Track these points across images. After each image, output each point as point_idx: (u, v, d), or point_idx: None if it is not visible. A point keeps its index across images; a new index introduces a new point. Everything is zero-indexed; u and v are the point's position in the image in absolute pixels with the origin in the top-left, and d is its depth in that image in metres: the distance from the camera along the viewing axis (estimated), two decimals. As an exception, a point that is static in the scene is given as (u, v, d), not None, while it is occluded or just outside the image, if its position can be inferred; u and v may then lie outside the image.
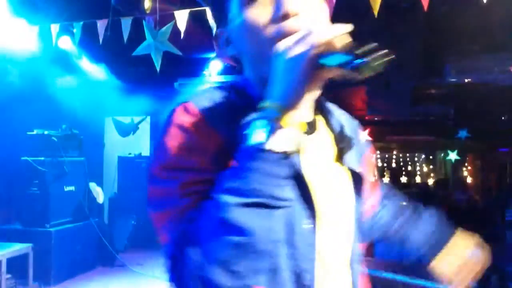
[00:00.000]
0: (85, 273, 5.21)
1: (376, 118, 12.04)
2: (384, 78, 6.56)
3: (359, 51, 0.62)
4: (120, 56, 7.10)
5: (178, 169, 0.71)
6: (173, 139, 0.74)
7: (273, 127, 0.63)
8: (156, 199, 0.74)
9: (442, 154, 15.57)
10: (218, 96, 0.78)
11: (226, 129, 0.71)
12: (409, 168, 18.56)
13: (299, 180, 0.73)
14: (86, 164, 5.48)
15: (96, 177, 6.88)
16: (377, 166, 19.73)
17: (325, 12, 0.83)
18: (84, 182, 5.42)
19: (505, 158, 12.76)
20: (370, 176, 1.01)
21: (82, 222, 5.25)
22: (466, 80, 6.17)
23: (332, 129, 0.88)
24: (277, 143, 0.64)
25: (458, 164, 15.04)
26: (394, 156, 18.39)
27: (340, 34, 0.67)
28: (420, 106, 9.31)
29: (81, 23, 4.11)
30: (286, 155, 0.64)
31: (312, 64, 0.65)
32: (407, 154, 18.07)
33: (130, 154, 7.14)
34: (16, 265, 4.34)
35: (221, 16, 0.83)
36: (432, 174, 16.87)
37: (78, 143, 5.48)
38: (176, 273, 0.67)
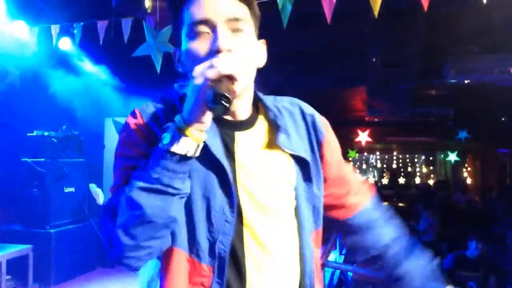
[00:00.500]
0: (85, 274, 5.20)
1: (376, 119, 12.05)
2: (384, 78, 6.57)
3: (219, 95, 0.80)
4: (120, 57, 7.11)
5: (119, 156, 0.97)
6: (122, 134, 0.98)
7: (176, 134, 0.83)
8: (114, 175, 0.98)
9: (442, 155, 15.59)
10: (158, 106, 0.99)
11: (158, 131, 0.90)
12: (409, 169, 18.58)
13: (220, 172, 0.92)
14: (86, 165, 5.47)
15: (96, 178, 6.86)
16: (377, 167, 19.75)
17: (258, 51, 1.03)
18: (84, 183, 5.42)
19: (505, 158, 12.78)
20: (332, 161, 1.11)
21: (82, 223, 5.24)
22: (466, 81, 6.18)
23: (269, 122, 1.03)
24: (179, 147, 0.83)
25: (458, 165, 15.06)
26: (394, 157, 18.40)
27: (226, 75, 0.82)
28: (420, 107, 9.31)
29: (81, 24, 4.11)
30: (185, 157, 0.84)
31: (204, 93, 0.82)
32: (407, 155, 18.09)
33: (130, 155, 7.13)
34: (16, 266, 4.33)
35: (176, 38, 1.02)
36: (432, 175, 16.88)
37: (78, 144, 5.48)
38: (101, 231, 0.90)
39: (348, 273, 3.97)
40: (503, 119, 10.87)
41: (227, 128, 0.98)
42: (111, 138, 8.46)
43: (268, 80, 7.91)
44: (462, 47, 6.23)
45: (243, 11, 0.95)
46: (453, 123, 10.85)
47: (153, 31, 3.80)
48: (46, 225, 4.74)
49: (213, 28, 0.92)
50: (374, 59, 6.75)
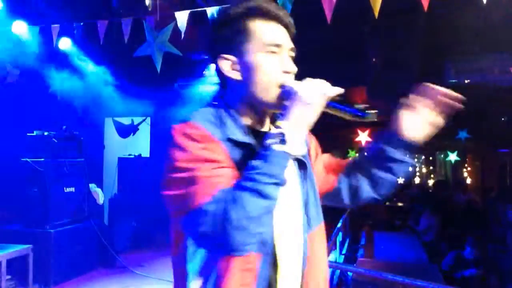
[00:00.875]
0: (85, 274, 5.20)
1: (376, 119, 12.02)
2: (384, 78, 6.56)
3: (359, 107, 1.08)
4: (120, 57, 7.11)
5: (197, 161, 1.00)
6: (186, 145, 1.02)
7: (286, 139, 1.00)
8: (181, 182, 1.00)
9: (442, 155, 15.57)
10: (207, 114, 1.10)
11: (218, 135, 1.04)
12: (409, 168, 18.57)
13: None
14: (86, 165, 5.47)
15: (96, 178, 6.87)
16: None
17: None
18: (84, 183, 5.41)
19: (505, 158, 12.76)
20: (319, 161, 1.35)
21: (82, 223, 5.24)
22: (466, 81, 6.17)
23: None
24: (294, 149, 1.01)
25: (458, 165, 15.05)
26: (394, 157, 18.34)
27: (338, 92, 1.08)
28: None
29: (81, 24, 4.11)
30: (291, 156, 1.01)
31: (322, 106, 1.06)
32: (407, 155, 18.06)
33: (130, 155, 7.13)
34: (16, 266, 4.33)
35: (230, 45, 1.11)
36: (432, 175, 16.87)
37: (78, 144, 5.47)
38: (213, 226, 0.93)
39: (348, 273, 3.97)
40: (503, 119, 10.85)
41: None
42: (111, 138, 8.46)
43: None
44: (462, 47, 6.23)
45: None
46: (453, 123, 10.83)
47: (153, 31, 3.80)
48: (46, 225, 4.74)
49: (282, 52, 1.12)
50: (374, 59, 6.75)
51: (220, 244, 0.94)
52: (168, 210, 1.09)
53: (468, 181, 14.04)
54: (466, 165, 15.06)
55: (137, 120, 8.41)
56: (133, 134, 8.43)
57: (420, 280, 3.01)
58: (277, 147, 0.99)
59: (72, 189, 5.17)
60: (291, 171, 1.11)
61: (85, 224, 5.27)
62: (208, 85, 7.33)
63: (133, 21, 3.91)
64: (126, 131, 8.46)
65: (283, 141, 1.00)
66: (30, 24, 4.57)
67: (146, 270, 5.47)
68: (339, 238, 5.05)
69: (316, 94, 1.05)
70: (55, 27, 4.21)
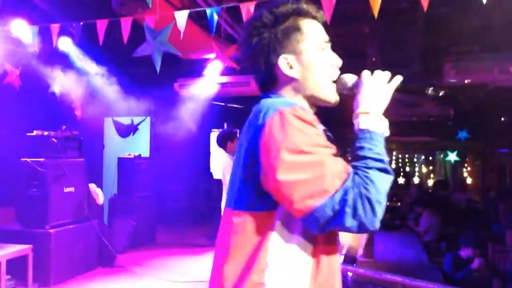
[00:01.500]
0: (85, 274, 5.20)
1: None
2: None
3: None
4: (120, 56, 7.11)
5: (320, 146, 1.01)
6: (305, 129, 1.01)
7: (379, 122, 1.10)
8: (306, 170, 0.97)
9: (442, 155, 15.57)
10: (300, 104, 1.11)
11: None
12: (409, 168, 18.57)
13: None
14: (85, 165, 5.47)
15: (96, 178, 6.86)
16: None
17: None
18: (83, 183, 5.41)
19: (505, 158, 12.76)
20: None
21: (81, 223, 5.24)
22: (466, 81, 6.16)
23: None
24: (386, 131, 1.12)
25: (457, 165, 15.05)
26: (393, 157, 18.40)
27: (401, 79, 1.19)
28: (419, 107, 9.30)
29: (81, 23, 4.10)
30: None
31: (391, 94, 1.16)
32: (407, 155, 18.08)
33: (130, 155, 7.13)
34: (16, 266, 4.33)
35: (286, 45, 1.17)
36: (431, 175, 16.86)
37: (78, 144, 5.47)
38: (354, 206, 0.96)
39: (348, 273, 3.97)
40: (503, 119, 10.85)
41: None
42: (111, 138, 8.46)
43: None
44: (462, 47, 6.22)
45: None
46: (453, 123, 10.84)
47: (153, 31, 3.80)
48: (46, 225, 4.74)
49: (327, 47, 1.24)
50: (374, 59, 6.75)
51: (360, 222, 0.96)
52: (283, 195, 0.99)
53: (468, 181, 14.03)
54: (466, 165, 15.07)
55: (137, 120, 8.41)
56: (133, 134, 8.43)
57: (420, 280, 3.01)
58: (378, 129, 1.09)
59: (72, 189, 5.17)
60: None
61: (85, 224, 5.27)
62: (207, 83, 7.32)
63: (133, 21, 3.91)
64: (126, 131, 8.46)
65: (378, 125, 1.10)
66: (29, 24, 4.57)
67: (145, 269, 5.47)
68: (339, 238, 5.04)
69: (387, 86, 1.16)
70: (55, 27, 4.20)
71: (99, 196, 5.93)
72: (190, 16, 3.77)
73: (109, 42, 4.03)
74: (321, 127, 1.11)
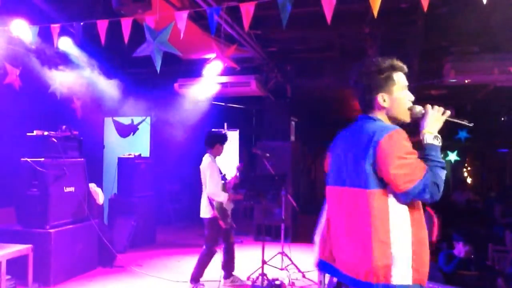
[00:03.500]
0: (85, 274, 5.20)
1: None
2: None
3: (464, 121, 1.95)
4: (120, 56, 7.11)
5: (412, 153, 1.72)
6: (405, 143, 1.73)
7: (439, 137, 1.82)
8: (406, 167, 1.69)
9: (442, 155, 15.57)
10: (397, 127, 1.79)
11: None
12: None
13: None
14: (86, 165, 5.47)
15: (96, 178, 6.87)
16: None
17: None
18: (84, 183, 5.42)
19: (505, 158, 12.77)
20: None
21: (81, 223, 5.24)
22: (466, 81, 6.16)
23: None
24: (439, 144, 1.81)
25: (457, 165, 15.05)
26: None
27: (449, 113, 1.87)
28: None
29: (81, 23, 4.10)
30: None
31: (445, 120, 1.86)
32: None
33: (130, 155, 7.13)
34: (16, 266, 4.33)
35: (383, 87, 1.88)
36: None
37: (78, 144, 5.47)
38: (431, 187, 1.69)
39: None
40: (503, 119, 10.85)
41: None
42: (111, 138, 8.46)
43: (268, 80, 7.91)
44: (462, 47, 6.21)
45: None
46: (453, 123, 10.84)
47: (153, 31, 3.80)
48: (46, 225, 4.74)
49: (406, 88, 1.93)
50: (374, 59, 6.74)
51: (431, 196, 1.70)
52: (392, 182, 1.70)
53: (468, 181, 14.03)
54: (466, 165, 15.07)
55: (137, 120, 8.41)
56: (133, 134, 8.43)
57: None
58: (437, 143, 1.81)
59: (72, 189, 5.17)
60: None
61: (85, 224, 5.28)
62: (210, 84, 7.32)
63: (133, 21, 3.90)
64: (126, 131, 8.46)
65: (437, 140, 1.82)
66: (30, 24, 4.57)
67: (145, 269, 5.48)
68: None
69: (442, 116, 1.87)
70: (55, 27, 4.20)
71: (99, 196, 5.94)
72: (190, 16, 3.77)
73: (110, 42, 4.03)
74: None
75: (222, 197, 4.38)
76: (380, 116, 1.89)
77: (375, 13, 3.01)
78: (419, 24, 5.67)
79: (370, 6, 3.02)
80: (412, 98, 1.91)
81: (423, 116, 1.87)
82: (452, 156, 14.42)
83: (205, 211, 4.51)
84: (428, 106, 1.86)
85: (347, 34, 6.76)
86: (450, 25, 5.53)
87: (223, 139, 4.69)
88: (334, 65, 7.83)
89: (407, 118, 1.91)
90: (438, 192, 1.70)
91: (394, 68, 1.91)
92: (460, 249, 4.66)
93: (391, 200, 1.75)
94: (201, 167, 4.61)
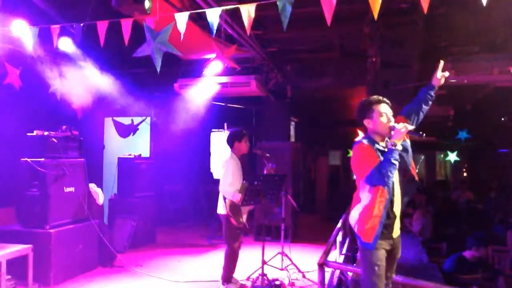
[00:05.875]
0: (85, 273, 5.20)
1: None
2: (384, 78, 6.56)
3: (416, 131, 2.77)
4: (120, 57, 7.11)
5: (372, 157, 2.67)
6: (363, 152, 2.73)
7: (396, 144, 2.63)
8: (363, 167, 2.68)
9: (442, 155, 15.57)
10: (366, 139, 2.78)
11: (372, 146, 2.74)
12: (409, 168, 18.57)
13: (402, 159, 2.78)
14: (86, 165, 5.47)
15: (96, 178, 6.87)
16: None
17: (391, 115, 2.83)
18: (83, 183, 5.42)
19: (505, 158, 12.77)
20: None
21: (82, 223, 5.24)
22: (465, 81, 6.17)
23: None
24: (398, 147, 2.63)
25: (457, 165, 15.05)
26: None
27: (411, 128, 2.69)
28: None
29: (82, 24, 4.10)
30: (398, 151, 2.64)
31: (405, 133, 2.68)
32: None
33: (130, 155, 7.13)
34: (16, 266, 4.33)
35: (368, 115, 2.81)
36: (431, 175, 16.85)
37: (78, 144, 5.47)
38: (380, 175, 2.58)
39: (348, 273, 3.97)
40: (503, 119, 10.86)
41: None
42: (111, 138, 8.47)
43: (268, 80, 7.91)
44: (462, 47, 6.22)
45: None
46: (453, 123, 10.85)
47: (153, 31, 3.80)
48: (46, 225, 4.75)
49: (386, 115, 2.77)
50: (374, 59, 6.75)
51: (382, 181, 2.55)
52: (357, 175, 2.74)
53: (468, 181, 14.03)
54: (466, 165, 15.08)
55: (137, 120, 8.42)
56: (133, 134, 8.44)
57: (420, 280, 3.02)
58: (395, 148, 2.57)
59: (72, 189, 5.17)
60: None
61: (85, 224, 5.28)
62: (208, 84, 7.33)
63: (133, 22, 3.90)
64: (126, 131, 8.46)
65: (395, 146, 2.58)
66: (30, 24, 4.57)
67: (145, 269, 5.48)
68: (339, 238, 5.05)
69: (404, 130, 2.60)
70: (55, 28, 4.20)
71: (99, 196, 5.94)
72: (190, 16, 3.77)
73: (110, 42, 4.03)
74: (375, 147, 2.71)
75: (231, 195, 4.35)
76: (370, 132, 2.83)
77: (375, 15, 3.01)
78: (419, 24, 5.68)
79: (370, 7, 3.02)
80: (391, 122, 2.74)
81: (393, 130, 2.67)
82: (452, 156, 14.43)
83: (221, 208, 4.50)
84: (396, 125, 2.66)
85: (347, 34, 6.77)
86: (450, 25, 5.53)
87: (238, 136, 4.65)
88: (334, 65, 7.83)
89: (386, 134, 2.75)
90: (385, 179, 2.54)
91: (377, 102, 2.79)
92: (472, 253, 4.65)
93: (363, 186, 2.75)
94: (223, 161, 4.61)
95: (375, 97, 2.82)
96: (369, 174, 2.58)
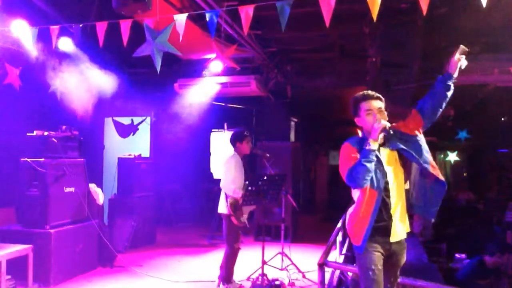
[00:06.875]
0: (85, 274, 5.20)
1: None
2: (384, 78, 6.56)
3: (388, 131, 2.51)
4: (120, 57, 7.11)
5: (349, 158, 2.55)
6: (342, 152, 2.63)
7: (371, 144, 2.50)
8: (341, 167, 2.55)
9: (442, 155, 15.57)
10: (354, 138, 2.66)
11: (357, 147, 2.58)
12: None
13: (378, 158, 2.55)
14: (86, 165, 5.47)
15: (96, 178, 6.87)
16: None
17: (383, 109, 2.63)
18: (83, 183, 5.41)
19: (505, 158, 12.75)
20: (408, 123, 2.65)
21: (82, 223, 5.24)
22: (466, 81, 6.17)
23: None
24: (373, 146, 2.49)
25: (457, 165, 15.04)
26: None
27: (386, 124, 2.49)
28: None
29: (81, 24, 4.10)
30: (374, 151, 2.50)
31: (381, 131, 2.51)
32: (407, 155, 18.05)
33: (130, 155, 7.13)
34: (16, 266, 4.34)
35: (357, 112, 2.64)
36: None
37: (78, 144, 5.47)
38: (352, 177, 2.47)
39: (348, 273, 3.97)
40: (503, 119, 10.85)
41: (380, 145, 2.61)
42: (111, 138, 8.47)
43: (268, 80, 7.91)
44: (462, 47, 6.20)
45: (383, 104, 2.62)
46: (453, 123, 10.85)
47: (153, 32, 3.80)
48: (46, 225, 4.74)
49: (372, 111, 2.59)
50: (374, 59, 6.75)
51: (355, 183, 2.47)
52: (342, 174, 2.55)
53: (468, 181, 14.02)
54: (466, 165, 15.06)
55: (137, 120, 8.42)
56: (133, 134, 8.44)
57: (420, 280, 3.01)
58: (368, 148, 2.47)
59: (72, 189, 5.17)
60: (381, 155, 2.58)
61: (85, 224, 5.28)
62: (208, 84, 7.33)
63: (133, 22, 3.90)
64: (126, 131, 8.46)
65: (369, 146, 2.47)
66: (30, 24, 4.57)
67: (145, 269, 5.48)
68: (339, 238, 5.05)
69: (377, 127, 2.47)
70: (55, 28, 4.20)
71: (99, 196, 5.93)
72: (190, 16, 3.77)
73: (110, 42, 4.03)
74: (359, 146, 2.55)
75: (232, 192, 4.36)
76: (361, 130, 2.73)
77: (374, 16, 3.01)
78: (419, 24, 5.67)
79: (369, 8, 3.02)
80: (379, 119, 2.56)
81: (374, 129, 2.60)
82: (452, 156, 14.42)
83: (222, 206, 4.51)
84: (375, 124, 2.51)
85: (347, 34, 6.77)
86: (450, 25, 5.53)
87: (240, 137, 4.66)
88: (334, 65, 7.83)
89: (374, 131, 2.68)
90: (358, 181, 2.44)
91: (363, 99, 2.63)
92: (495, 259, 4.65)
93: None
94: (223, 160, 4.62)
95: (361, 93, 2.62)
96: (345, 175, 2.47)
